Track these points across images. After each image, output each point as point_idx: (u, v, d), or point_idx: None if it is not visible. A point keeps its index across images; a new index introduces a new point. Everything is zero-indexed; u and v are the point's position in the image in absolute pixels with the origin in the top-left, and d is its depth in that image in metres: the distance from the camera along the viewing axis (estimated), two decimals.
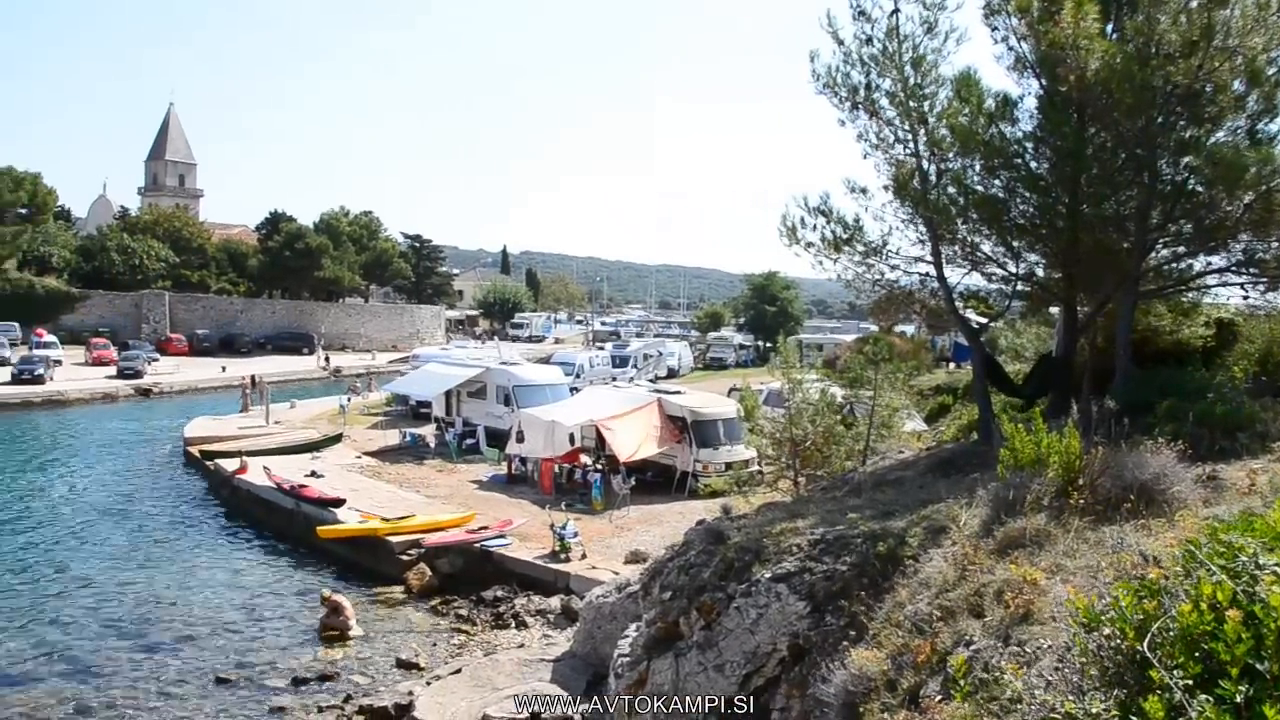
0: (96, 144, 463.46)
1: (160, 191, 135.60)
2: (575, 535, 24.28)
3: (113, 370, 68.25)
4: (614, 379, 52.10)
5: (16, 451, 45.16)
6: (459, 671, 17.62)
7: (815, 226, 16.30)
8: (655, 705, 11.31)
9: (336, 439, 40.84)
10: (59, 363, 66.65)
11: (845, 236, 16.20)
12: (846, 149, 42.13)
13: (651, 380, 51.78)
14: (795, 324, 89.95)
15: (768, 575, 10.57)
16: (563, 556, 23.83)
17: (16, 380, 60.03)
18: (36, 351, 67.30)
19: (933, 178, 15.49)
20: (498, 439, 36.77)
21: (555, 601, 22.19)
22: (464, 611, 22.72)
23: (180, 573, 26.30)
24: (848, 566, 10.05)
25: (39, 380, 60.44)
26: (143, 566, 26.78)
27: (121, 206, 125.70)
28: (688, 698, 10.84)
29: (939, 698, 6.90)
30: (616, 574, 21.03)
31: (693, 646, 11.01)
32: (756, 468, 27.65)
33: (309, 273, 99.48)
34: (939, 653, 7.61)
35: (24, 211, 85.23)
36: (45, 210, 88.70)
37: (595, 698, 15.17)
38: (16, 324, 78.29)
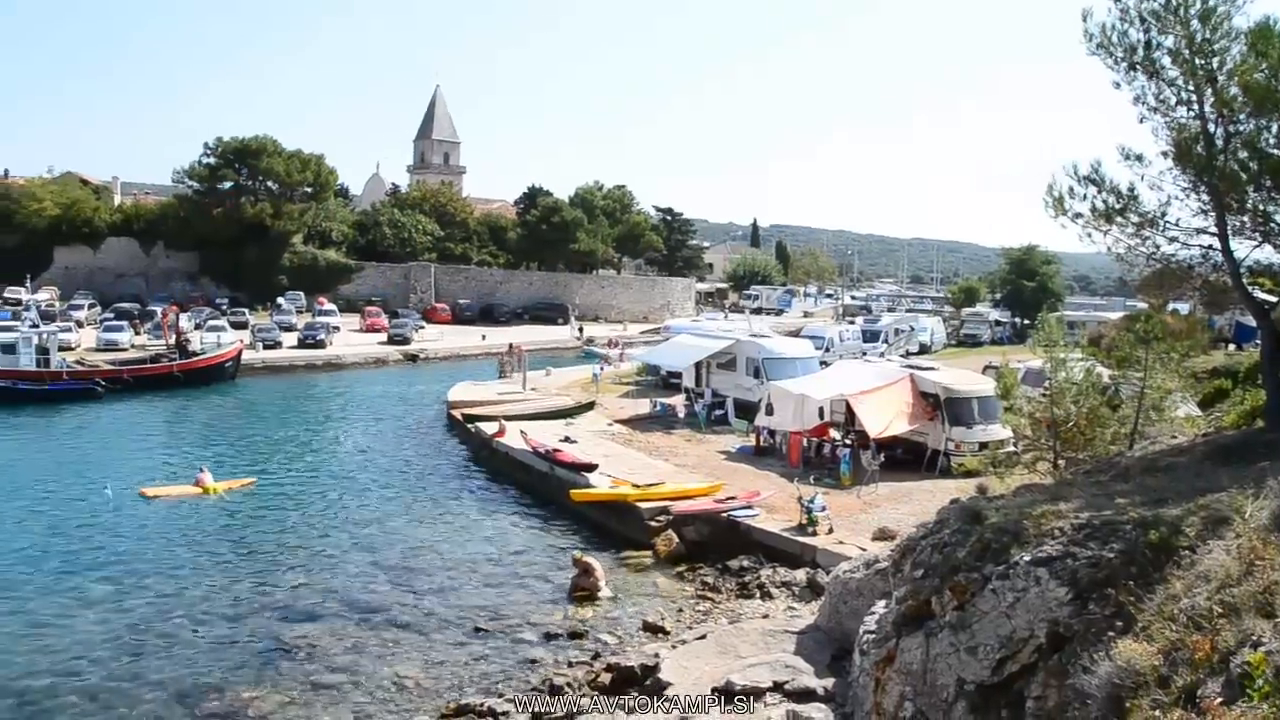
0: (371, 127, 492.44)
1: (427, 169, 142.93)
2: (823, 509, 24.10)
3: (384, 337, 72.92)
4: (864, 354, 51.29)
5: (302, 409, 49.07)
6: (704, 638, 17.85)
7: (1085, 196, 15.37)
8: (904, 683, 11.10)
9: (589, 406, 42.12)
10: (337, 329, 71.94)
11: (1118, 207, 15.21)
12: (1118, 114, 39.35)
13: (903, 356, 50.65)
14: (1056, 300, 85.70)
15: (1027, 558, 10.14)
16: (809, 530, 23.71)
17: (302, 344, 65.33)
18: (318, 319, 72.79)
19: (1219, 142, 14.31)
20: (746, 411, 36.89)
21: (801, 574, 22.12)
22: (710, 579, 22.99)
23: (444, 527, 27.83)
24: (1114, 554, 9.51)
25: (320, 345, 65.47)
26: (410, 519, 28.51)
27: (393, 184, 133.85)
28: (938, 678, 10.58)
29: (1219, 699, 6.44)
30: (863, 550, 20.77)
31: (944, 627, 10.72)
32: (1013, 448, 26.59)
33: (564, 245, 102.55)
34: (1220, 651, 7.10)
35: (309, 190, 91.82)
36: (327, 189, 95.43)
37: (840, 672, 15.05)
38: (302, 293, 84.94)
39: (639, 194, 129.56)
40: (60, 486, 31.48)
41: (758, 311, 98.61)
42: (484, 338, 75.27)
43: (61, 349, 52.26)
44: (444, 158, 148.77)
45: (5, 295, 76.52)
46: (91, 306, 75.22)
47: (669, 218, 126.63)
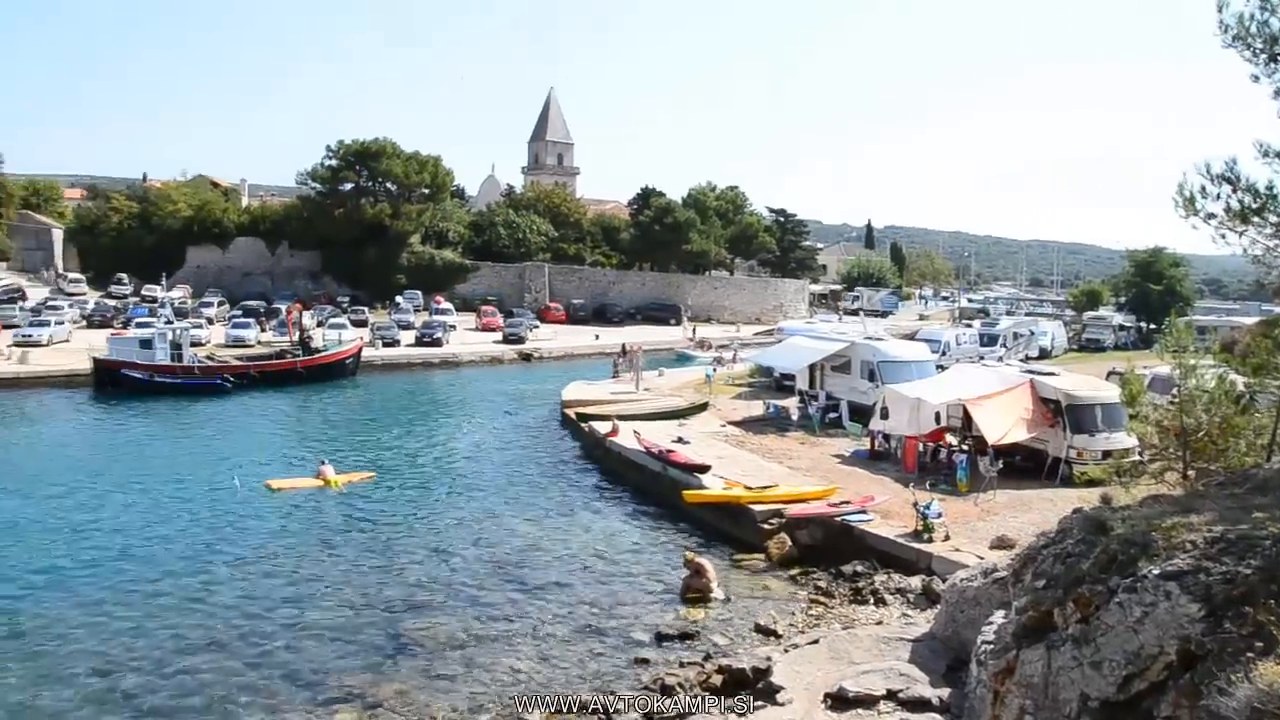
0: (486, 129, 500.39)
1: (541, 170, 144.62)
2: (939, 515, 23.68)
3: (499, 336, 74.07)
4: (981, 358, 50.22)
5: (419, 406, 50.12)
6: (816, 642, 17.69)
7: (1218, 195, 14.76)
8: (1023, 696, 10.84)
9: (702, 407, 42.12)
10: (454, 328, 73.34)
11: (1255, 206, 14.57)
12: (1253, 109, 37.69)
13: (1022, 360, 49.46)
14: (1184, 304, 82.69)
15: (1155, 571, 9.80)
16: (925, 536, 23.31)
17: (419, 343, 66.87)
18: (435, 317, 74.26)
19: None
20: (861, 414, 36.47)
21: (916, 581, 21.76)
22: (823, 584, 22.78)
23: (557, 524, 28.11)
24: (1252, 570, 9.13)
25: (437, 343, 66.88)
26: (523, 516, 28.85)
27: (508, 185, 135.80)
28: (1060, 693, 10.30)
29: None
30: (981, 558, 20.34)
31: (1067, 640, 10.42)
32: (1138, 457, 25.74)
33: (677, 246, 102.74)
34: None
35: (426, 191, 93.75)
36: (444, 190, 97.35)
37: (955, 683, 14.78)
38: (419, 292, 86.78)
39: (752, 195, 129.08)
40: (192, 476, 32.76)
41: (854, 313, 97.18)
42: (597, 337, 75.90)
43: (193, 344, 54.38)
44: (558, 159, 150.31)
45: (143, 293, 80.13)
46: (221, 304, 78.15)
47: (782, 219, 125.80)
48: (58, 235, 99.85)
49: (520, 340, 72.17)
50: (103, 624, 20.07)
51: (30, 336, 58.62)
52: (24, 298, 75.24)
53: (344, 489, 31.28)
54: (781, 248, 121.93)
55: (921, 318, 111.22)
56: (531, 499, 31.02)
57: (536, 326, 78.76)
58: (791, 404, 40.96)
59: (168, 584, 22.39)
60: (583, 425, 39.48)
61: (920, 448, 30.86)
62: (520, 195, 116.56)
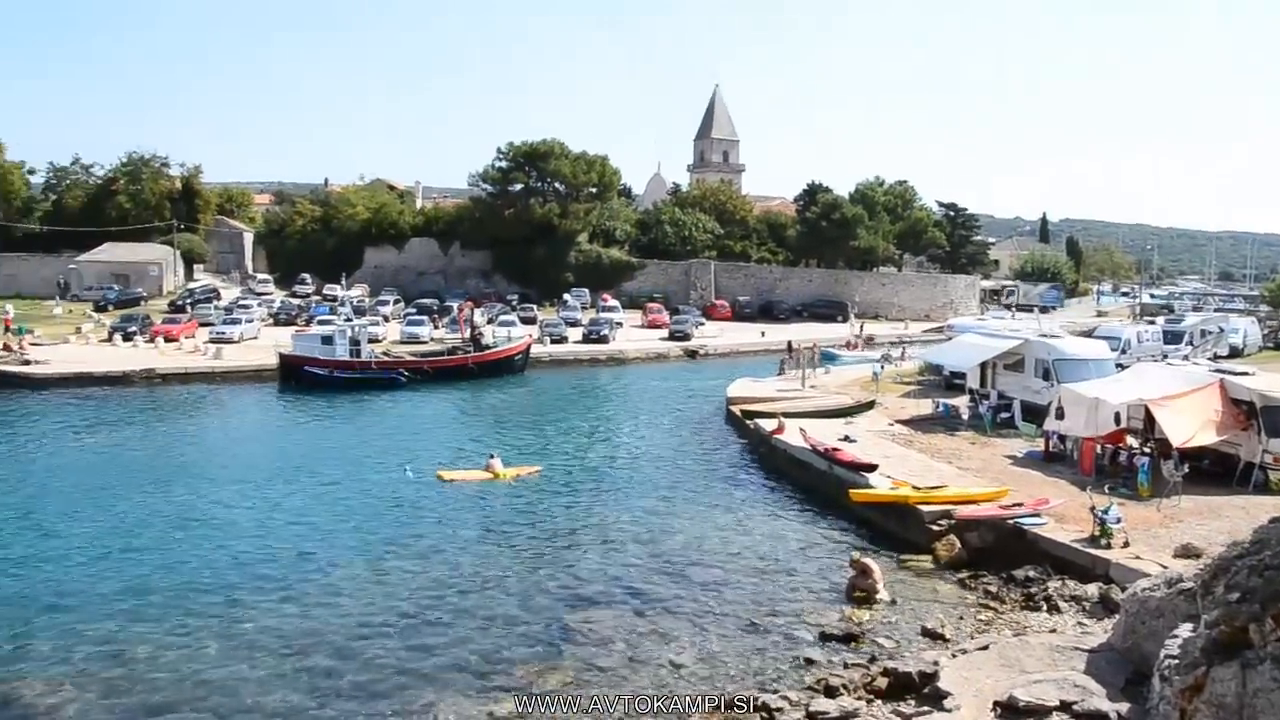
0: (652, 127, 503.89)
1: (707, 168, 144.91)
2: (1118, 521, 22.64)
3: (664, 333, 74.54)
4: (1165, 356, 47.84)
5: (585, 402, 50.96)
6: (986, 649, 17.15)
7: None
8: (1214, 717, 10.24)
9: (869, 406, 41.43)
10: (620, 325, 74.06)
11: None
12: None
13: (1210, 359, 46.89)
14: None
15: None
16: (1103, 542, 22.33)
17: (587, 339, 67.93)
18: (602, 314, 75.25)
19: None
20: (1034, 414, 35.21)
21: (1092, 589, 20.86)
22: (993, 588, 22.09)
23: (721, 521, 28.07)
24: None
25: (604, 340, 67.76)
26: (688, 512, 28.91)
27: (673, 183, 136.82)
28: (1258, 715, 9.69)
29: None
30: (1164, 567, 19.36)
31: (1265, 659, 9.79)
32: None
33: (844, 242, 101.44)
34: None
35: (594, 191, 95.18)
36: (611, 189, 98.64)
37: (1135, 698, 14.10)
38: (586, 290, 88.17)
39: (921, 189, 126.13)
40: (367, 466, 34.09)
41: (1027, 309, 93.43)
42: (763, 334, 75.54)
43: (370, 341, 56.61)
44: (723, 156, 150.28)
45: (324, 292, 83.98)
46: (396, 302, 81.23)
47: (952, 213, 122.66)
48: (248, 239, 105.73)
49: (686, 337, 72.42)
50: (285, 607, 21.06)
51: (223, 334, 62.52)
52: (218, 298, 79.97)
53: (512, 482, 32.00)
54: (952, 243, 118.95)
55: (1099, 314, 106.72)
56: (695, 495, 31.08)
57: (702, 323, 78.91)
58: (962, 403, 39.88)
59: (344, 570, 23.32)
60: (748, 422, 39.34)
61: (1098, 450, 29.58)
62: (686, 193, 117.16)
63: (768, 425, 36.47)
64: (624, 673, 17.86)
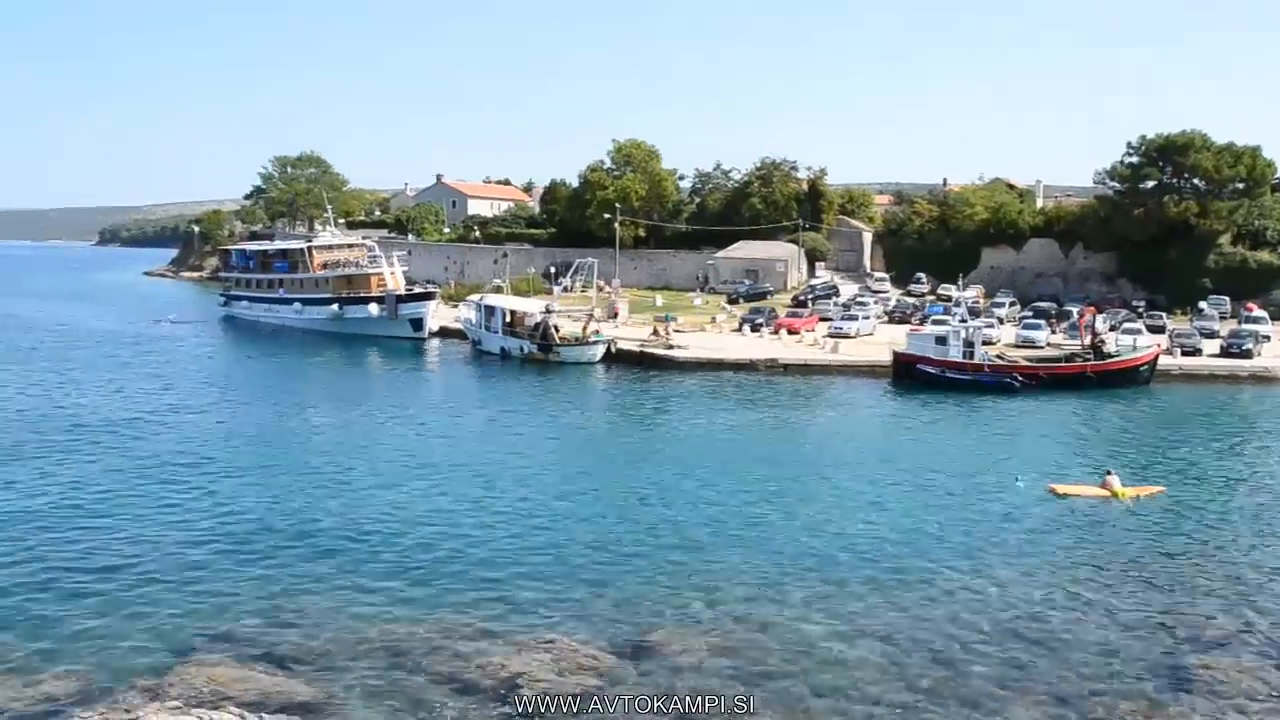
0: None
1: None
2: None
3: None
4: None
5: (1219, 422, 46.00)
6: None
7: None
8: None
9: None
10: (1267, 338, 65.74)
11: None
12: None
13: None
14: None
15: None
16: None
17: (1225, 353, 61.10)
18: (1245, 326, 67.49)
19: None
20: None
21: None
22: None
23: None
24: None
25: (1246, 354, 60.60)
26: None
27: None
28: None
29: None
30: None
31: None
32: None
33: None
34: None
35: (1240, 186, 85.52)
36: (1262, 184, 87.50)
37: None
38: (1226, 298, 79.51)
39: None
40: (977, 471, 33.99)
41: None
42: None
43: (985, 343, 56.12)
44: None
45: (939, 292, 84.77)
46: (1012, 304, 79.68)
47: None
48: (867, 238, 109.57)
49: None
50: (873, 596, 21.94)
51: (841, 329, 65.93)
52: (838, 294, 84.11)
53: (1131, 502, 30.10)
54: None
55: None
56: None
57: None
58: None
59: (949, 574, 23.55)
60: None
61: None
62: None
63: None
64: None
